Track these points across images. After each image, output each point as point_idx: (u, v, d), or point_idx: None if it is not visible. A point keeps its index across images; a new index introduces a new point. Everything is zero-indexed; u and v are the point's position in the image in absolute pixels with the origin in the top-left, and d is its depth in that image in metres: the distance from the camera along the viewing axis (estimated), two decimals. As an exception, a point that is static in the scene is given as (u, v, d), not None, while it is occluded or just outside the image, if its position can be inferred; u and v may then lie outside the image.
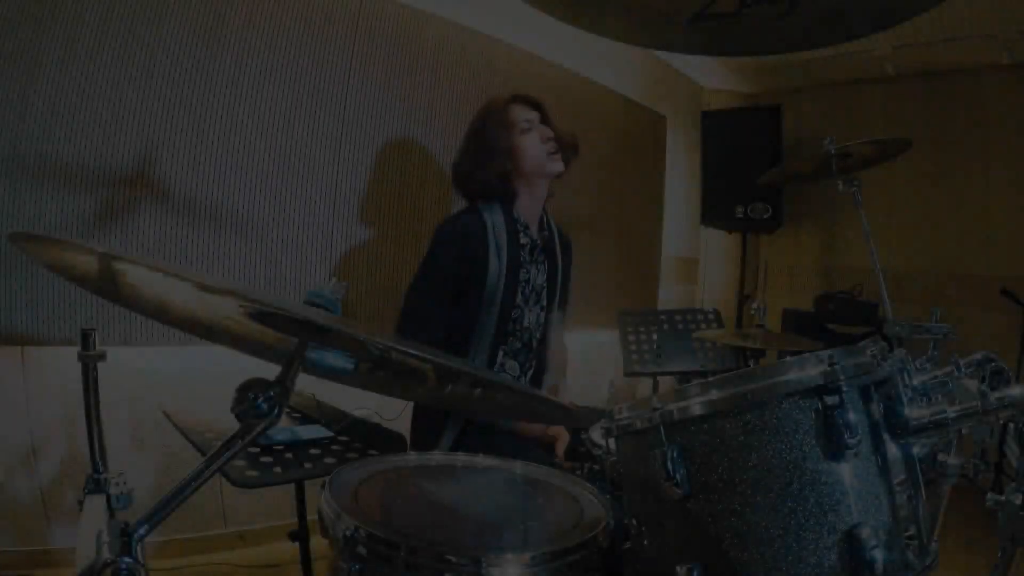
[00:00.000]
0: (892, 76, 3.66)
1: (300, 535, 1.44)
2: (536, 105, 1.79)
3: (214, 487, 2.19)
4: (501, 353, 1.72)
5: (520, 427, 1.64)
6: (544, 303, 1.80)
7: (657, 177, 3.84)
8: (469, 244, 1.66)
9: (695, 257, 4.34)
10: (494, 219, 1.71)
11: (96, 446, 1.19)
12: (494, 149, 1.72)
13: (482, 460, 1.20)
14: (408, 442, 1.63)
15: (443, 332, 1.66)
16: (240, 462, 1.16)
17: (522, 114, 1.75)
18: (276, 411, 0.68)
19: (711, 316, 2.58)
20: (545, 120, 1.79)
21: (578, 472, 1.25)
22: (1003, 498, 0.85)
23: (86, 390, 1.21)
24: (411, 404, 1.79)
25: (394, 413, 1.78)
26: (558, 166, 1.76)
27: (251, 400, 0.67)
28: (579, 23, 1.21)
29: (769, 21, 1.12)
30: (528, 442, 1.65)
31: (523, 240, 1.74)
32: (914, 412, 0.83)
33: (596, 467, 1.08)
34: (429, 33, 2.48)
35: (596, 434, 1.15)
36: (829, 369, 0.78)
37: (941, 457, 1.24)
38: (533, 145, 1.73)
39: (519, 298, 1.73)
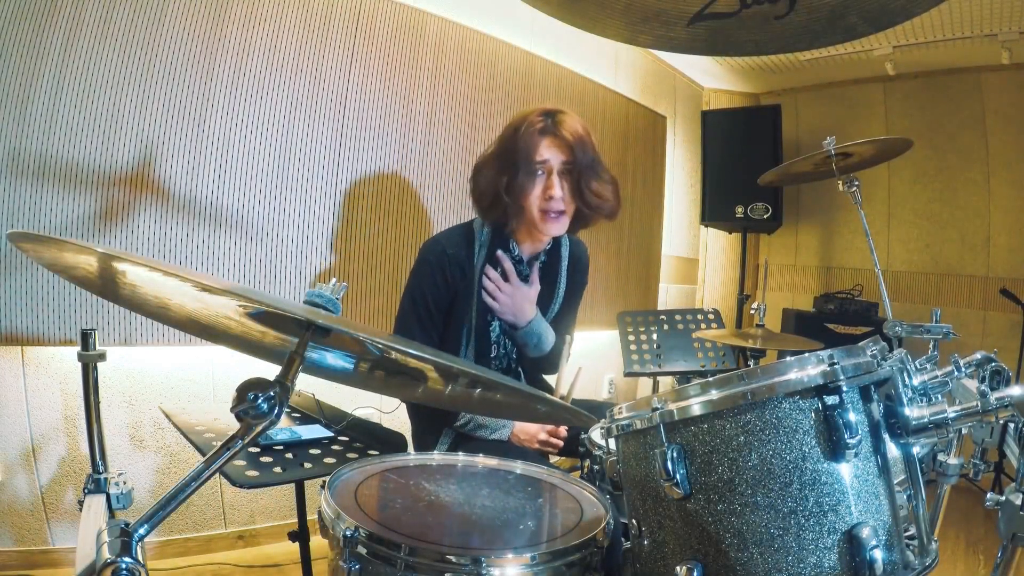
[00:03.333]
0: (892, 76, 3.67)
1: (300, 535, 1.44)
2: (570, 149, 1.53)
3: (214, 487, 2.19)
4: None
5: (517, 435, 1.58)
6: None
7: (657, 177, 3.84)
8: (452, 269, 1.56)
9: (695, 257, 4.35)
10: (483, 242, 1.61)
11: (96, 446, 1.20)
12: (500, 180, 1.53)
13: (482, 460, 1.20)
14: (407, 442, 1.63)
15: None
16: (240, 462, 1.16)
17: (545, 151, 1.52)
18: (276, 411, 0.68)
19: (711, 316, 2.58)
20: (577, 166, 1.54)
21: (578, 472, 1.25)
22: (1003, 498, 0.85)
23: (86, 390, 1.21)
24: (404, 404, 1.77)
25: (394, 414, 1.78)
26: (554, 229, 1.55)
27: (251, 400, 0.67)
28: (579, 23, 1.21)
29: (769, 21, 1.12)
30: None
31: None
32: (914, 412, 0.83)
33: (596, 467, 1.08)
34: (429, 33, 2.48)
35: (596, 434, 1.15)
36: (829, 369, 0.78)
37: (941, 457, 1.25)
38: (533, 196, 1.52)
39: (495, 328, 1.65)
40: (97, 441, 1.20)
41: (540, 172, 1.53)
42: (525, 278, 1.66)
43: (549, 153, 1.53)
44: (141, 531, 0.61)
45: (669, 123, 3.92)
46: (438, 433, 1.60)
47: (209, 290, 0.74)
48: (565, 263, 1.74)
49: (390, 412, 1.72)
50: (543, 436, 1.57)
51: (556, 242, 1.72)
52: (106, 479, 1.17)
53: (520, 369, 1.76)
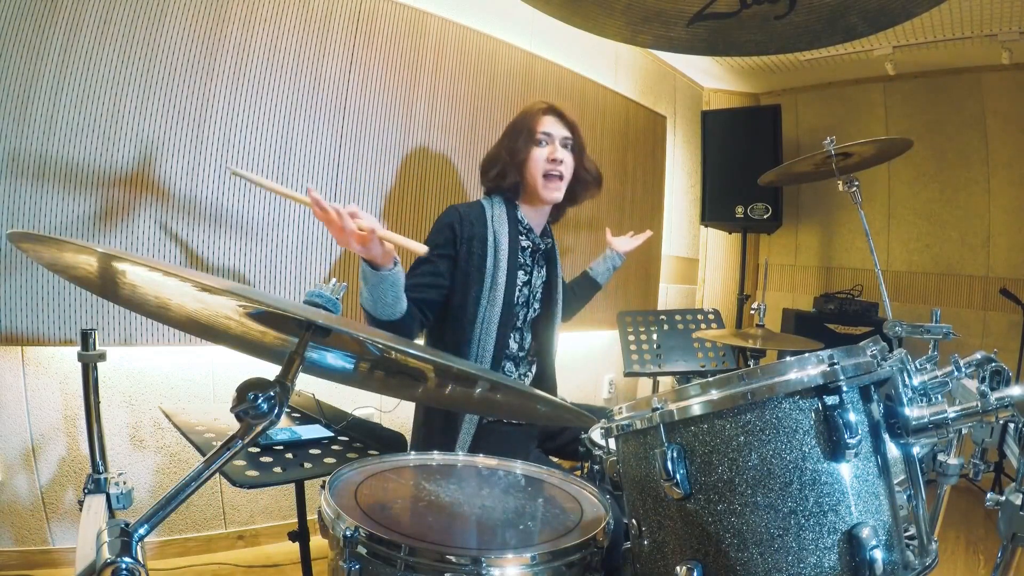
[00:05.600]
0: (892, 76, 3.67)
1: (300, 535, 1.43)
2: (570, 125, 1.76)
3: (214, 487, 2.19)
4: (504, 356, 1.71)
5: None
6: (538, 308, 1.81)
7: (657, 177, 3.84)
8: (465, 228, 1.66)
9: (695, 257, 4.35)
10: (496, 214, 1.71)
11: (96, 446, 1.20)
12: (506, 148, 1.73)
13: (482, 460, 1.20)
14: (409, 442, 1.62)
15: (437, 298, 1.63)
16: (240, 462, 1.16)
17: (548, 127, 1.73)
18: (276, 411, 0.68)
19: (711, 316, 2.58)
20: (574, 145, 1.77)
21: (578, 472, 1.25)
22: (1003, 498, 0.85)
23: (86, 390, 1.21)
24: (408, 404, 1.78)
25: (394, 413, 1.78)
26: (553, 194, 1.73)
27: (251, 400, 0.67)
28: (579, 23, 1.21)
29: (769, 21, 1.12)
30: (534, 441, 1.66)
31: (524, 243, 1.74)
32: (914, 412, 0.83)
33: (596, 467, 1.08)
34: (429, 33, 2.48)
35: (596, 434, 1.15)
36: (829, 369, 0.78)
37: (941, 457, 1.25)
38: (537, 160, 1.71)
39: (517, 298, 1.72)
40: (97, 441, 1.20)
41: (543, 142, 1.73)
42: (537, 247, 1.77)
43: (552, 128, 1.74)
44: (141, 531, 0.61)
45: (669, 123, 3.92)
46: (455, 431, 1.60)
47: (209, 290, 0.74)
48: (557, 252, 1.87)
49: (390, 411, 1.72)
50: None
51: (551, 236, 1.85)
52: (106, 479, 1.17)
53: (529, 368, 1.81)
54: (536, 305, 1.80)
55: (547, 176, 1.71)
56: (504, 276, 1.66)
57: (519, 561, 0.82)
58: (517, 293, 1.72)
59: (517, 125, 1.75)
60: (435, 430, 1.66)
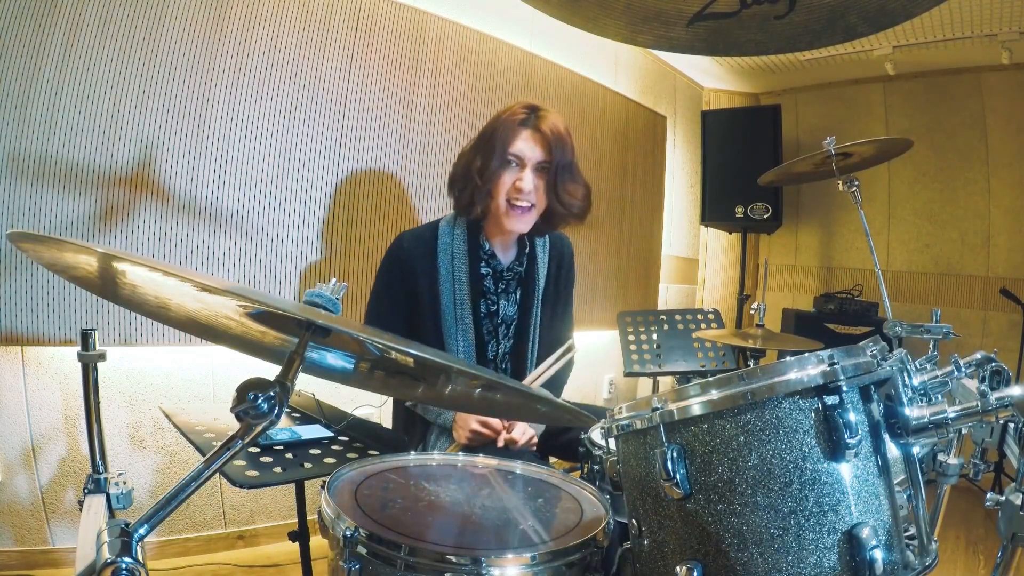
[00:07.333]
0: (892, 76, 3.67)
1: (300, 535, 1.43)
2: (548, 146, 1.52)
3: (214, 487, 2.19)
4: None
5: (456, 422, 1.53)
6: (512, 340, 1.67)
7: (657, 177, 3.84)
8: (414, 264, 1.55)
9: (695, 257, 4.35)
10: (454, 242, 1.58)
11: (96, 446, 1.20)
12: (478, 169, 1.53)
13: (482, 460, 1.20)
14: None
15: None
16: (240, 462, 1.16)
17: (520, 145, 1.52)
18: (276, 411, 0.68)
19: (711, 316, 2.58)
20: (551, 169, 1.54)
21: (578, 472, 1.25)
22: (1003, 498, 0.85)
23: (86, 390, 1.21)
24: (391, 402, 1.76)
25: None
26: (517, 224, 1.54)
27: (251, 400, 0.67)
28: (579, 23, 1.21)
29: (769, 21, 1.12)
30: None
31: (484, 270, 1.61)
32: (914, 412, 0.83)
33: (596, 467, 1.08)
34: (429, 33, 2.48)
35: (596, 434, 1.15)
36: (829, 369, 0.78)
37: (941, 457, 1.25)
38: (503, 185, 1.52)
39: (484, 330, 1.62)
40: (97, 441, 1.20)
41: (513, 163, 1.53)
42: (500, 273, 1.63)
43: (525, 147, 1.53)
44: (141, 531, 0.61)
45: (669, 123, 3.93)
46: (422, 429, 1.59)
47: (209, 290, 0.74)
48: (544, 268, 1.70)
49: (381, 406, 1.73)
50: (475, 426, 1.48)
51: (532, 247, 1.69)
52: (106, 479, 1.17)
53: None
54: (510, 336, 1.67)
55: (511, 204, 1.52)
56: (469, 313, 1.55)
57: (519, 561, 0.82)
58: (483, 322, 1.61)
59: (492, 138, 1.52)
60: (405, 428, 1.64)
